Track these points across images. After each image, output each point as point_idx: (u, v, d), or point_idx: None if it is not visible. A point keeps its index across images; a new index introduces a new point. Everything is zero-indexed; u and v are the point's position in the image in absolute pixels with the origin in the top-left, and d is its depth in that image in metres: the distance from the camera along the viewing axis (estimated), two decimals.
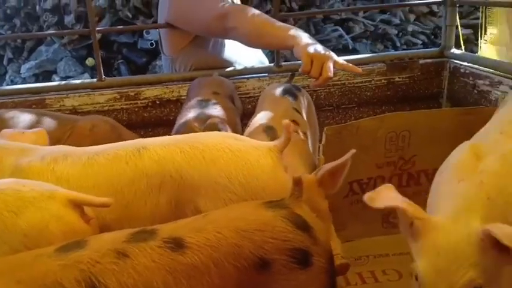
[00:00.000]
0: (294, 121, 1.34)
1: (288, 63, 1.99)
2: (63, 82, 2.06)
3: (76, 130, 1.35)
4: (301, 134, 1.33)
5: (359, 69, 1.50)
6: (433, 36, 4.36)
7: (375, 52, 4.09)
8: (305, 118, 1.44)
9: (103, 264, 0.75)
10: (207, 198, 0.95)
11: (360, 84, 1.99)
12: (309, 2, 4.11)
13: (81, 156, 1.01)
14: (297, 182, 0.91)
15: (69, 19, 4.04)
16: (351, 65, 1.49)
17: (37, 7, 4.15)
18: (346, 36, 4.21)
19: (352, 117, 1.99)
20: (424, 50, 2.31)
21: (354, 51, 4.11)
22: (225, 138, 1.03)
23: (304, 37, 1.51)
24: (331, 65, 1.41)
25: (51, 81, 3.44)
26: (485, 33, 2.39)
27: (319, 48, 1.46)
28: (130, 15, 3.91)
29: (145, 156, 0.97)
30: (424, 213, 0.85)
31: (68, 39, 4.11)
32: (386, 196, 0.87)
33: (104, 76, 1.87)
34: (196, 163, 0.96)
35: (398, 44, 4.35)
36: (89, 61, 4.11)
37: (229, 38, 1.82)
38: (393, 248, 1.44)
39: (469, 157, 0.97)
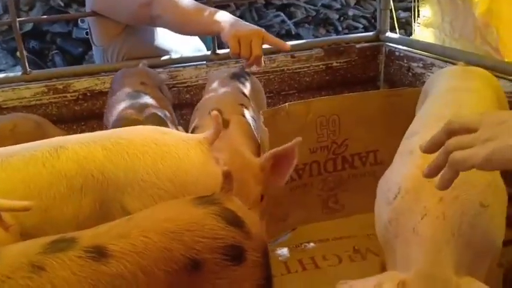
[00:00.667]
0: (241, 104, 1.33)
1: (226, 50, 1.95)
2: None
3: None
4: (248, 117, 1.31)
5: (287, 46, 1.49)
6: (373, 20, 4.44)
7: (317, 37, 4.12)
8: (252, 102, 1.42)
9: (15, 280, 0.68)
10: (133, 196, 0.90)
11: (299, 70, 1.98)
12: None
13: None
14: (227, 175, 0.88)
15: None
16: (280, 41, 1.49)
17: None
18: (289, 22, 4.22)
19: None
20: (360, 34, 2.33)
21: (297, 36, 4.11)
22: (151, 132, 0.97)
23: (230, 20, 1.47)
24: (259, 41, 1.39)
25: None
26: (418, 16, 2.44)
27: (246, 27, 1.43)
28: (62, 4, 3.70)
29: (63, 156, 0.90)
30: (400, 275, 0.82)
31: None
32: None
33: (29, 69, 1.76)
34: (119, 160, 0.90)
35: (340, 28, 4.41)
36: None
37: (157, 26, 1.75)
38: (333, 233, 1.46)
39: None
